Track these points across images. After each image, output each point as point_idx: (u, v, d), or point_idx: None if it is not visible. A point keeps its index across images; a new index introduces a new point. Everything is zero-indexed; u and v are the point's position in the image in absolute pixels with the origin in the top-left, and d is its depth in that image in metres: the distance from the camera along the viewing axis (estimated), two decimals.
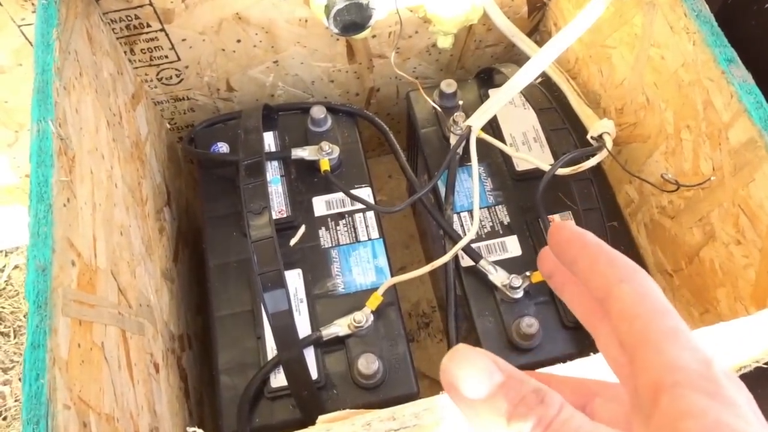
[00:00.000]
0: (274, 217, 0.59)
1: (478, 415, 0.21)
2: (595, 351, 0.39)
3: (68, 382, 0.34)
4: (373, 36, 0.69)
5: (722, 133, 0.45)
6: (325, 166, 0.61)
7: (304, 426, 0.46)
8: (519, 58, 0.74)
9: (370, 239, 0.60)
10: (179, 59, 0.65)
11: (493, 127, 0.64)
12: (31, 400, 0.32)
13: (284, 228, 0.59)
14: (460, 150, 0.61)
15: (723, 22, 0.46)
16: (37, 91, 0.41)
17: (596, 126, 0.56)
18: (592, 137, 0.56)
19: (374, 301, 0.54)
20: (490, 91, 0.68)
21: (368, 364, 0.51)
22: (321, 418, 0.32)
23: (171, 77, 0.68)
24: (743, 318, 0.34)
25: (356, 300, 0.56)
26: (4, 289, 0.93)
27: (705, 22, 0.45)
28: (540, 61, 0.56)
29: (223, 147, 0.65)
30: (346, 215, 0.61)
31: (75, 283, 0.38)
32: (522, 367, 0.54)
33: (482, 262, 0.56)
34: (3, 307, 0.92)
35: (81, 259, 0.40)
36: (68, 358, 0.35)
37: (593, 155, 0.55)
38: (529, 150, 0.63)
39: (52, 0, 0.45)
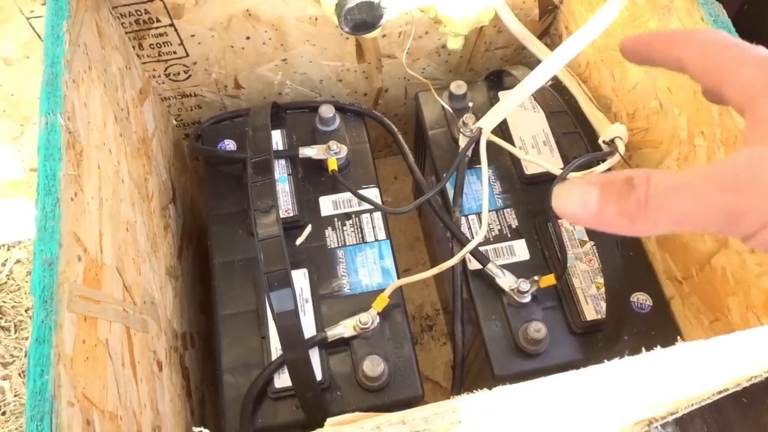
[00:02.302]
0: (281, 216, 0.58)
1: (602, 227, 0.24)
2: (603, 358, 0.38)
3: (72, 378, 0.34)
4: (383, 36, 0.68)
5: (738, 140, 0.44)
6: (332, 165, 0.61)
7: (308, 427, 0.46)
8: (529, 61, 0.74)
9: (376, 240, 0.59)
10: (188, 55, 0.65)
11: (502, 129, 0.64)
12: (35, 396, 0.32)
13: (290, 227, 0.59)
14: (469, 152, 0.61)
15: (739, 27, 0.45)
16: (46, 83, 0.40)
17: (608, 130, 0.56)
18: (603, 141, 0.56)
19: (380, 302, 0.54)
20: (500, 94, 0.67)
21: (373, 366, 0.51)
22: (329, 420, 0.31)
23: (179, 73, 0.67)
24: (759, 328, 0.33)
25: (362, 301, 0.55)
26: (5, 283, 0.93)
27: (722, 27, 0.44)
28: (552, 64, 0.56)
29: (229, 144, 0.64)
30: (353, 215, 0.60)
31: (81, 279, 0.38)
32: (528, 374, 0.54)
33: (490, 266, 0.55)
34: (4, 302, 0.91)
35: (87, 254, 0.39)
36: (73, 354, 0.35)
37: (604, 160, 0.54)
38: (539, 153, 0.63)
39: None
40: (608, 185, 0.24)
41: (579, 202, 0.24)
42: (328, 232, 0.60)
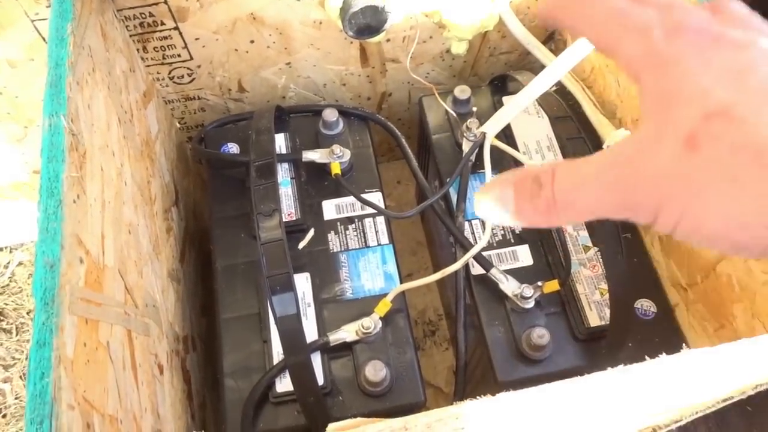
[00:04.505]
0: (284, 219, 0.58)
1: (524, 224, 0.26)
2: (606, 364, 0.38)
3: (73, 381, 0.34)
4: (387, 40, 0.68)
5: None
6: (335, 169, 0.60)
7: None
8: (533, 66, 0.74)
9: (379, 244, 0.59)
10: (192, 58, 0.65)
11: (506, 134, 0.64)
12: (35, 400, 0.31)
13: (293, 231, 0.59)
14: (472, 157, 0.61)
15: None
16: (50, 85, 0.40)
17: (613, 136, 0.55)
18: (608, 147, 0.56)
19: (383, 307, 0.54)
20: (504, 99, 0.67)
21: (376, 371, 0.51)
22: (331, 426, 0.31)
23: (183, 76, 0.67)
24: (765, 335, 0.33)
25: (364, 306, 0.55)
26: (7, 285, 0.93)
27: None
28: (557, 69, 0.56)
29: (233, 147, 0.64)
30: (356, 220, 0.60)
31: (82, 281, 0.37)
32: (531, 380, 0.53)
33: (493, 271, 0.55)
34: (6, 304, 0.91)
35: (89, 256, 0.39)
36: (74, 357, 0.34)
37: None
38: (543, 158, 0.63)
39: None
40: (520, 185, 0.25)
41: (498, 206, 0.26)
42: (331, 236, 0.59)
